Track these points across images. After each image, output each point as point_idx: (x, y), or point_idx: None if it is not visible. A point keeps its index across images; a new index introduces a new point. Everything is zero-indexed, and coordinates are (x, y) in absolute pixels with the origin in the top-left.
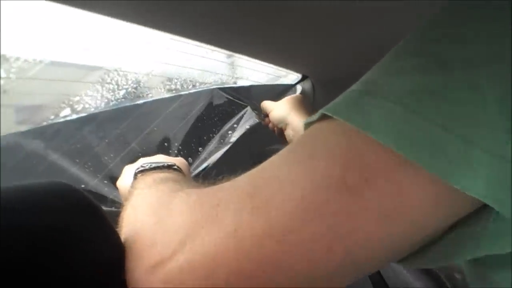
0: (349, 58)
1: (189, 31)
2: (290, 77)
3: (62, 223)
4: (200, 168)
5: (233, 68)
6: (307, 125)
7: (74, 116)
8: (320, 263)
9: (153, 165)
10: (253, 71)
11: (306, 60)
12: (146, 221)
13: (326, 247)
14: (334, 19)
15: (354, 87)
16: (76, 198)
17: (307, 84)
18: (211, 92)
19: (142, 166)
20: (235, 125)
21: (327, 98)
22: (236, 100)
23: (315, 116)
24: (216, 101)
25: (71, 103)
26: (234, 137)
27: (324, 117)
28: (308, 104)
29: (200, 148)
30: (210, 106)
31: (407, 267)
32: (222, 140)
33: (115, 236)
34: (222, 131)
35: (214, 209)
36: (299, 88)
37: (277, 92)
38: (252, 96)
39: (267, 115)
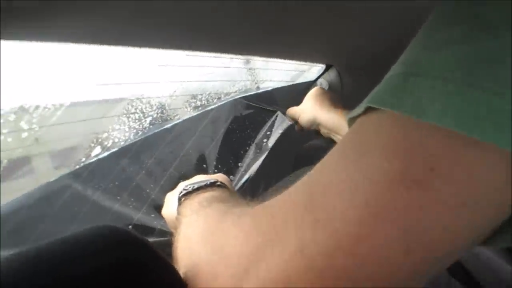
0: (375, 40)
1: (202, 44)
2: (314, 69)
3: (114, 267)
4: (242, 181)
5: (253, 72)
6: (351, 121)
7: (106, 153)
8: (398, 268)
9: (196, 186)
10: (275, 70)
11: (328, 48)
12: (203, 252)
13: (402, 250)
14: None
15: (394, 70)
16: (124, 239)
17: (333, 74)
18: (235, 102)
19: (184, 189)
20: (268, 132)
21: (356, 85)
22: (262, 107)
23: (359, 110)
24: (243, 111)
25: (100, 140)
26: (270, 143)
27: (369, 108)
28: (330, 94)
29: (239, 163)
30: (237, 117)
31: (490, 247)
32: (258, 150)
33: (171, 270)
34: (256, 140)
35: (273, 229)
36: (320, 82)
37: (300, 90)
38: (276, 99)
39: (296, 122)
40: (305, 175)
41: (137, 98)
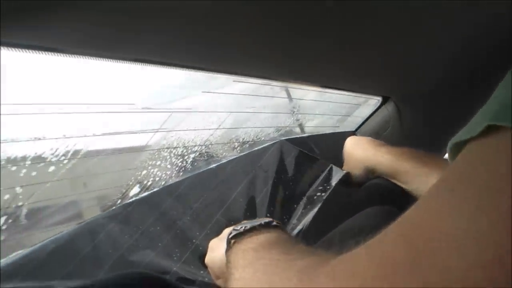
0: (434, 70)
1: (255, 69)
2: (371, 102)
3: None
4: (294, 233)
5: (300, 108)
6: (457, 147)
7: (146, 193)
8: None
9: (248, 226)
10: (328, 103)
11: (386, 79)
12: None
13: None
14: (412, 30)
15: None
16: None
17: (390, 107)
18: (281, 145)
19: (235, 230)
20: (320, 187)
21: (416, 118)
22: (311, 154)
23: (472, 130)
24: (290, 158)
25: (139, 178)
26: (324, 196)
27: (490, 128)
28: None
29: (290, 217)
30: (286, 164)
31: None
32: (310, 203)
33: None
34: (308, 193)
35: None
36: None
37: (339, 140)
38: (321, 145)
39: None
40: (378, 217)
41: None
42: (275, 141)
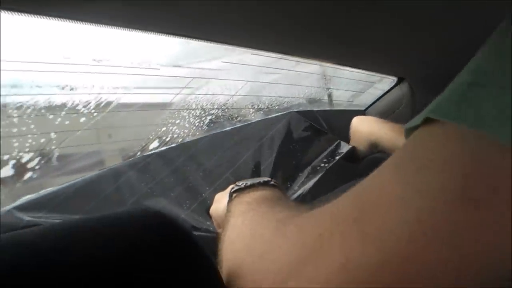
0: (451, 54)
1: (274, 45)
2: (385, 81)
3: (149, 246)
4: (293, 198)
5: (325, 79)
6: (409, 131)
7: (163, 148)
8: None
9: (248, 183)
10: (344, 79)
11: (401, 59)
12: (246, 258)
13: (453, 273)
14: (432, 11)
15: (459, 79)
16: (163, 221)
17: (405, 88)
18: (291, 116)
19: (237, 185)
20: (325, 160)
21: (429, 100)
22: (319, 128)
23: (417, 120)
24: (300, 129)
25: (159, 134)
26: (327, 166)
27: (428, 119)
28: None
29: (293, 184)
30: (295, 134)
31: None
32: (313, 172)
33: (209, 263)
34: (313, 164)
35: (318, 240)
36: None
37: (349, 118)
38: (330, 120)
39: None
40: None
41: (200, 94)
42: (288, 111)
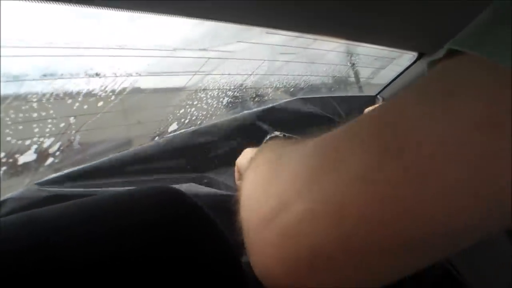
0: None
1: (290, 23)
2: (406, 57)
3: (163, 223)
4: None
5: (349, 55)
6: (431, 64)
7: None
8: (463, 212)
9: (274, 134)
10: (364, 56)
11: (422, 34)
12: (260, 178)
13: (471, 194)
14: None
15: (482, 17)
16: (175, 198)
17: (426, 63)
18: (298, 102)
19: (275, 134)
20: None
21: None
22: (323, 112)
23: (441, 53)
24: (303, 113)
25: (177, 115)
26: None
27: (451, 52)
28: None
29: None
30: (297, 118)
31: None
32: None
33: (220, 233)
34: None
35: (336, 152)
36: (379, 99)
37: (361, 103)
38: (337, 107)
39: None
40: None
41: (217, 74)
42: (293, 98)
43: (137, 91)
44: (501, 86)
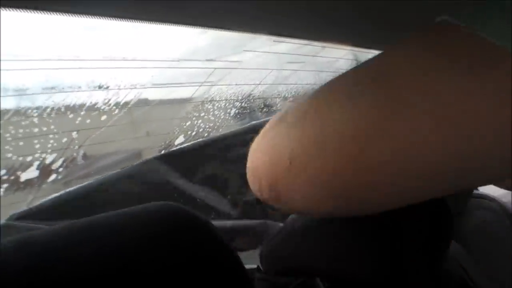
0: None
1: (296, 30)
2: None
3: (166, 240)
4: None
5: (358, 63)
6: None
7: (190, 143)
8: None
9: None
10: None
11: None
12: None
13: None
14: None
15: None
16: (180, 216)
17: None
18: None
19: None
20: None
21: None
22: None
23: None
24: None
25: (184, 128)
26: None
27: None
28: None
29: None
30: None
31: None
32: None
33: (227, 249)
34: None
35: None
36: None
37: None
38: None
39: None
40: None
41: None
42: None
43: (144, 102)
44: None
